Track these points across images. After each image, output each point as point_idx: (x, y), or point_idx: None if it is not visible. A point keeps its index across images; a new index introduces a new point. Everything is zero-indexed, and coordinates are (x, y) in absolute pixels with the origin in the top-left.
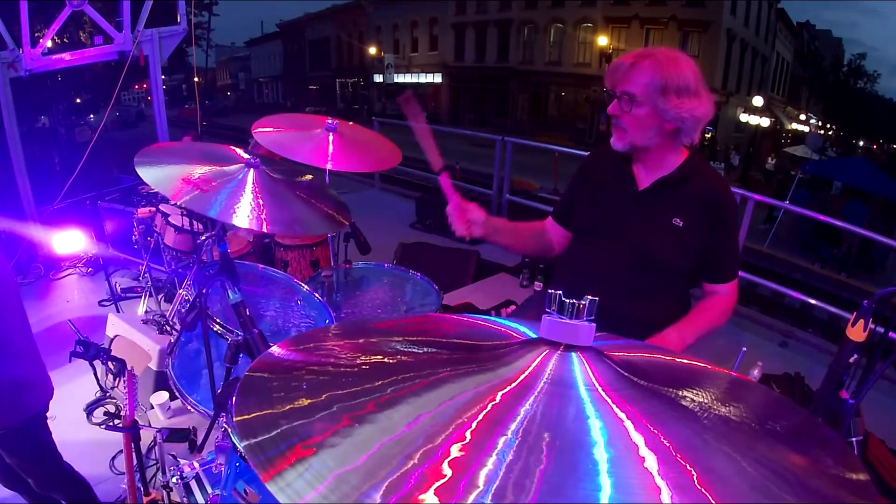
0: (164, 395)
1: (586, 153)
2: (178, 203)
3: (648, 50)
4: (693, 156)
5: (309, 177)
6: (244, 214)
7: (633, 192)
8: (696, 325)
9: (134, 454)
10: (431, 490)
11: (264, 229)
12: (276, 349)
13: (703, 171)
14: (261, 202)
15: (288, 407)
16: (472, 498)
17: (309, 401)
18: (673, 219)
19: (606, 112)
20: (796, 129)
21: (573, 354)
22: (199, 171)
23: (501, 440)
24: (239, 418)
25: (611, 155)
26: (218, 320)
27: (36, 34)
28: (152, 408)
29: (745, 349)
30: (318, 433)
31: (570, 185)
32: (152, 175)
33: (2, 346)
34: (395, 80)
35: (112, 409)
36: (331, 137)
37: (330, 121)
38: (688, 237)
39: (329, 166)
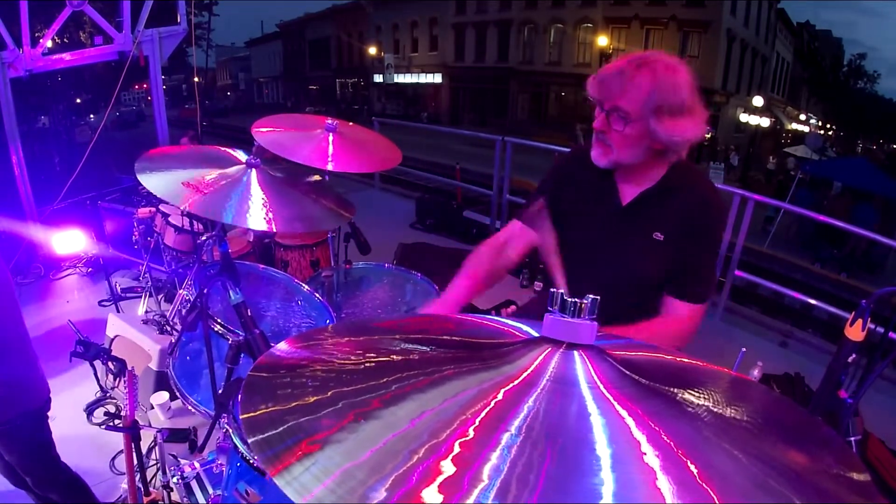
0: (164, 396)
1: (566, 150)
2: (187, 209)
3: (643, 57)
4: (679, 165)
5: (317, 177)
6: (257, 217)
7: (617, 206)
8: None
9: (134, 454)
10: (436, 484)
11: (273, 228)
12: (281, 347)
13: (690, 180)
14: (267, 203)
15: (294, 403)
16: (475, 493)
17: (315, 398)
18: (654, 233)
19: (593, 126)
20: (796, 130)
21: (575, 353)
22: (200, 174)
23: (505, 436)
24: (245, 415)
25: (590, 162)
26: (219, 320)
27: (36, 34)
28: (152, 408)
29: (744, 349)
30: (324, 429)
31: (543, 189)
32: (154, 182)
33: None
34: (395, 80)
35: (112, 409)
36: (331, 138)
37: (330, 121)
38: (668, 250)
39: (330, 167)
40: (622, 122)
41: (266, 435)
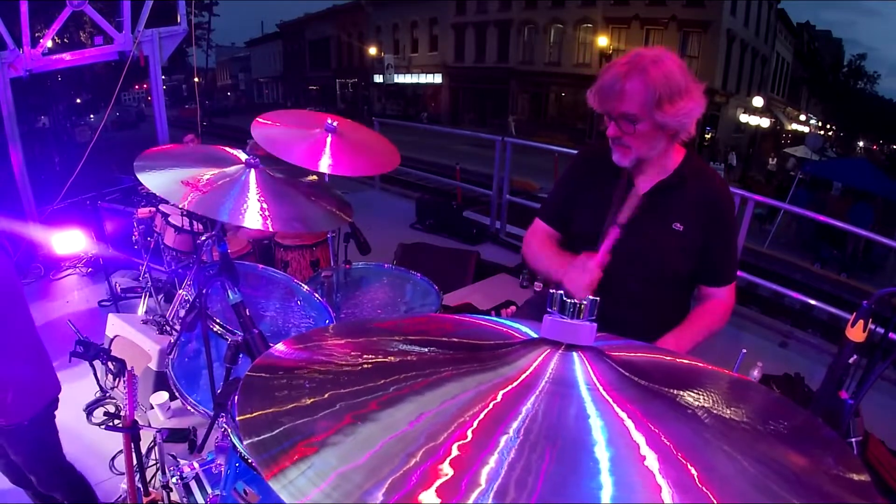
0: (163, 396)
1: (576, 151)
2: (187, 207)
3: (630, 61)
4: (690, 156)
5: (314, 177)
6: (253, 216)
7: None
8: (694, 331)
9: (134, 454)
10: (433, 488)
11: (270, 228)
12: (278, 348)
13: (702, 171)
14: (265, 202)
15: (291, 405)
16: (473, 496)
17: (312, 399)
18: (673, 223)
19: (606, 135)
20: (796, 130)
21: (574, 354)
22: (199, 173)
23: (503, 439)
24: (242, 417)
25: (604, 157)
26: (218, 320)
27: (36, 34)
28: (152, 408)
29: (744, 351)
30: (320, 431)
31: (560, 187)
32: (153, 180)
33: (5, 345)
34: (395, 80)
35: (112, 409)
36: (329, 139)
37: (330, 120)
38: (688, 241)
39: (328, 169)
40: (631, 124)
41: (262, 437)
